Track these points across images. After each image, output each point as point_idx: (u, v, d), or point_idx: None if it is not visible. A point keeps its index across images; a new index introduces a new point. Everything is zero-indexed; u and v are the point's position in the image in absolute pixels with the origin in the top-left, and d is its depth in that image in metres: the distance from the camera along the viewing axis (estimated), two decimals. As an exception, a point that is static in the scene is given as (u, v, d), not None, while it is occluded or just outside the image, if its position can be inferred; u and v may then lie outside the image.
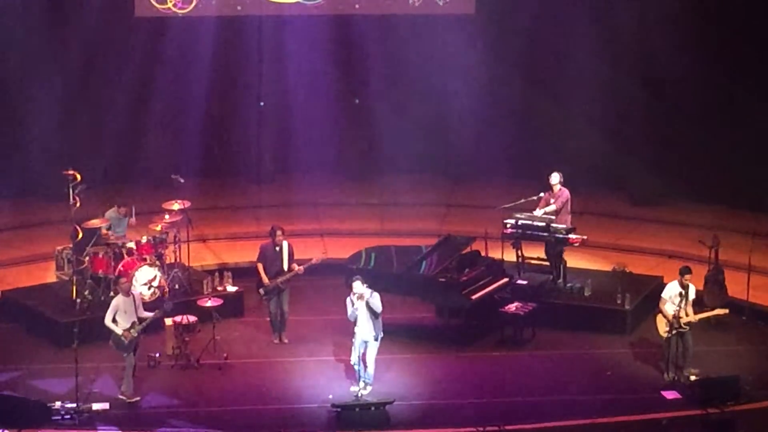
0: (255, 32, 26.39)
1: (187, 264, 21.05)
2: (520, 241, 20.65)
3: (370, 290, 17.17)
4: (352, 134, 27.66)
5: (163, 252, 20.29)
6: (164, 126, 26.65)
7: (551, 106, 26.05)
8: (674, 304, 17.71)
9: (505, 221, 20.57)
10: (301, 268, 19.23)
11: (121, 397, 17.13)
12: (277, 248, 19.22)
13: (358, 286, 17.12)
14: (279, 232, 19.23)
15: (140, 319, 17.35)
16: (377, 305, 17.12)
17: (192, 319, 18.52)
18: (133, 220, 20.67)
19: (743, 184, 24.49)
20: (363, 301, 17.08)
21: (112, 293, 19.46)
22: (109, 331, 17.27)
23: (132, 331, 17.16)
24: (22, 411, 16.39)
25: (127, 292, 17.44)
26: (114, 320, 17.22)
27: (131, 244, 20.02)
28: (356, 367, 17.28)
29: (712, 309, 18.54)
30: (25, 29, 24.73)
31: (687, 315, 17.72)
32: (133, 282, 18.91)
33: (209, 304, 18.85)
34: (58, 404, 16.66)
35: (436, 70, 26.78)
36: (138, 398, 17.18)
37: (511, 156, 26.38)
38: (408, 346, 19.02)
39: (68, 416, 16.49)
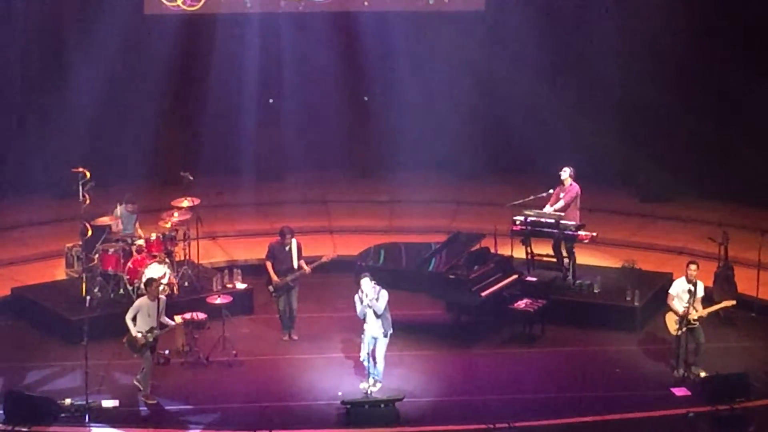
0: (263, 29, 26.34)
1: (196, 261, 21.08)
2: (529, 237, 20.65)
3: (377, 288, 17.16)
4: (362, 132, 27.66)
5: (172, 249, 20.33)
6: (173, 124, 26.67)
7: (560, 103, 26.02)
8: (683, 300, 17.70)
9: (514, 218, 20.56)
10: (309, 268, 19.24)
11: (141, 399, 17.08)
12: (287, 247, 19.22)
13: (366, 284, 17.13)
14: (289, 236, 19.25)
15: (161, 324, 17.30)
16: (378, 307, 17.07)
17: (201, 316, 18.49)
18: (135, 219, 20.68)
19: (753, 180, 24.42)
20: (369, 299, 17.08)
21: (121, 290, 19.53)
22: (125, 329, 17.17)
23: (148, 335, 17.06)
24: (32, 408, 16.38)
25: (155, 297, 17.34)
26: (134, 320, 17.16)
27: (141, 242, 20.06)
28: (365, 364, 17.27)
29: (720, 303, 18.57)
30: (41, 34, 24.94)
31: (696, 311, 17.70)
32: (142, 279, 18.91)
33: (219, 301, 18.85)
34: (67, 401, 16.66)
35: (445, 67, 26.77)
36: (156, 400, 17.11)
37: (520, 153, 26.36)
38: (417, 343, 19.01)
39: (78, 413, 16.47)
